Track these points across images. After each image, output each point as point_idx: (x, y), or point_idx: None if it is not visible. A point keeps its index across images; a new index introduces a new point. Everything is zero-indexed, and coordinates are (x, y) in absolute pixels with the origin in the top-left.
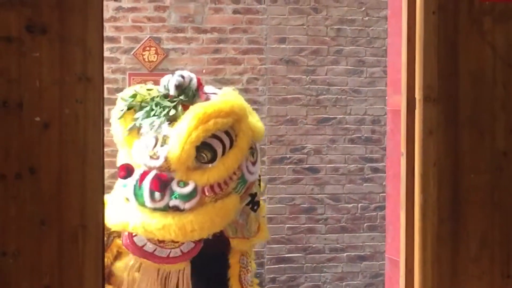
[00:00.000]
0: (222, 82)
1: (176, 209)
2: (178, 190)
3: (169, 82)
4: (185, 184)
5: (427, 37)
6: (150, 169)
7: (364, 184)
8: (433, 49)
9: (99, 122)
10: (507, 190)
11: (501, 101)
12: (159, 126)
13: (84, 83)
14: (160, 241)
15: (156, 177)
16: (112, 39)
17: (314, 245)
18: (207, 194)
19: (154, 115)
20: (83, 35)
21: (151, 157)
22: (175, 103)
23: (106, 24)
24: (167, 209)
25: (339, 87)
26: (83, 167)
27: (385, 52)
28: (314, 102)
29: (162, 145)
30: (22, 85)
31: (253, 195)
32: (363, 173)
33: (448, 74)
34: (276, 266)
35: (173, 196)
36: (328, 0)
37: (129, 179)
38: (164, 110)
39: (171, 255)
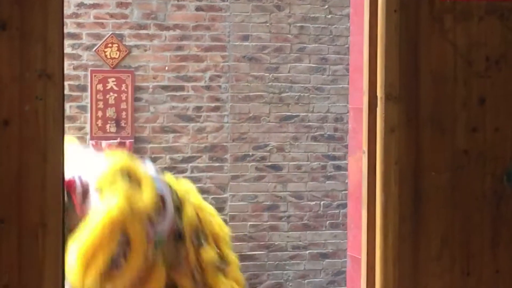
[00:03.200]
0: (184, 79)
1: None
2: None
3: None
4: None
5: (388, 35)
6: None
7: (327, 182)
8: (394, 48)
9: (59, 119)
10: (467, 189)
11: (462, 100)
12: None
13: (44, 80)
14: None
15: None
16: (74, 36)
17: (276, 243)
18: None
19: None
20: (44, 31)
21: None
22: None
23: (67, 21)
24: None
25: (302, 85)
26: (43, 164)
27: (348, 50)
28: (277, 100)
29: None
30: None
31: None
32: (326, 171)
33: (409, 72)
34: (239, 263)
35: None
36: None
37: None
38: None
39: None
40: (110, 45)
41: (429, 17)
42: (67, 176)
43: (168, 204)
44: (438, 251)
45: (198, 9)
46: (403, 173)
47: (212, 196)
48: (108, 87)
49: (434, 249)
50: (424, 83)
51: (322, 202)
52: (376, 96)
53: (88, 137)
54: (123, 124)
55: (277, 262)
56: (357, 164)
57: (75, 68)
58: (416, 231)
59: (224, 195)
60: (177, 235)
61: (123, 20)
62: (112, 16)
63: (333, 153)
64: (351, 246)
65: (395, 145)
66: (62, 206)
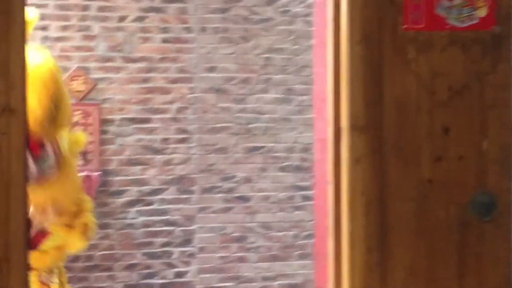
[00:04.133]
0: (151, 111)
1: None
2: None
3: None
4: None
5: (352, 66)
6: None
7: (295, 212)
8: (359, 78)
9: (22, 154)
10: (432, 218)
11: (425, 129)
12: None
13: (7, 115)
14: None
15: None
16: None
17: (245, 274)
18: None
19: None
20: (5, 66)
21: None
22: None
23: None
24: None
25: (269, 116)
26: (6, 200)
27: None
28: (244, 131)
29: None
30: None
31: None
32: (294, 201)
33: (373, 102)
34: None
35: None
36: (257, 29)
37: None
38: None
39: None
40: (76, 78)
41: (392, 47)
42: None
43: None
44: (405, 281)
45: (164, 41)
46: (369, 203)
47: (180, 228)
48: (75, 120)
49: (401, 279)
50: (388, 113)
51: (290, 233)
52: (341, 127)
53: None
54: (90, 157)
55: None
56: (323, 195)
57: None
58: (383, 261)
59: (192, 227)
60: None
61: (89, 53)
62: (77, 48)
63: (300, 183)
64: (318, 278)
65: (361, 175)
66: (25, 241)
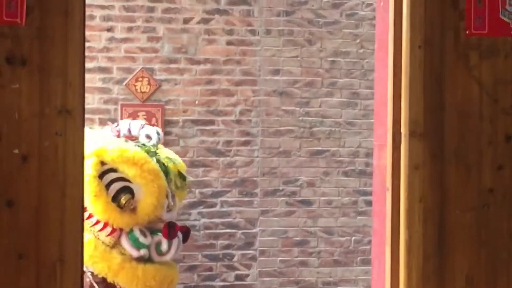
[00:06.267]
0: (215, 113)
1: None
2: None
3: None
4: None
5: (412, 71)
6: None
7: (358, 217)
8: (419, 84)
9: (79, 155)
10: (493, 228)
11: (487, 137)
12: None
13: (64, 116)
14: None
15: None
16: (105, 70)
17: (306, 279)
18: None
19: None
20: (64, 66)
21: (167, 209)
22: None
23: (98, 54)
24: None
25: (333, 119)
26: (62, 200)
27: None
28: (308, 134)
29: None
30: (1, 117)
31: None
32: (357, 206)
33: (434, 108)
34: None
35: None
36: (323, 32)
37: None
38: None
39: None
40: (140, 79)
41: (454, 53)
42: None
43: None
44: None
45: (229, 43)
46: (427, 210)
47: (242, 231)
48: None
49: None
50: (449, 120)
51: (353, 238)
52: (400, 133)
53: None
54: None
55: None
56: (381, 201)
57: (105, 102)
58: (440, 269)
59: (254, 230)
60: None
61: (153, 54)
62: (142, 50)
63: (364, 188)
64: (375, 285)
65: (419, 182)
66: (81, 241)
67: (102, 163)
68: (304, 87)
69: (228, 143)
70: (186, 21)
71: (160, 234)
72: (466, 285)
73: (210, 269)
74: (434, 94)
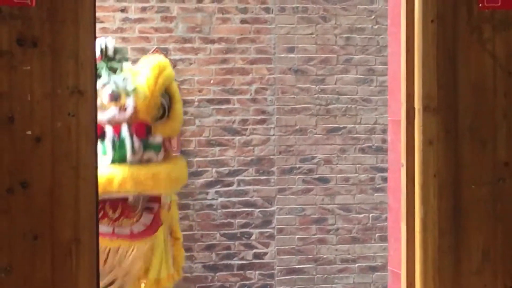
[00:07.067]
0: (230, 92)
1: (149, 161)
2: (151, 140)
3: (107, 45)
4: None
5: (425, 46)
6: (118, 122)
7: (375, 194)
8: (432, 59)
9: (92, 135)
10: (509, 202)
11: (502, 110)
12: (120, 81)
13: (76, 96)
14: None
15: (138, 124)
16: None
17: (325, 256)
18: (167, 148)
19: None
20: (75, 47)
21: (119, 109)
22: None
23: (113, 35)
24: (142, 162)
25: (348, 96)
26: (76, 180)
27: None
28: (324, 112)
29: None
30: (13, 99)
31: None
32: (374, 182)
33: (447, 83)
34: (287, 277)
35: (148, 148)
36: (337, 9)
37: (106, 138)
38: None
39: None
40: None
41: (466, 26)
42: None
43: None
44: (479, 265)
45: (243, 21)
46: (442, 185)
47: (259, 210)
48: None
49: (475, 263)
50: (462, 94)
51: (370, 215)
52: (414, 108)
53: None
54: None
55: (325, 276)
56: (396, 178)
57: None
58: (456, 244)
59: (271, 208)
60: None
61: (168, 34)
62: (156, 30)
63: (381, 165)
64: (391, 261)
65: (433, 157)
66: (95, 221)
67: None
68: (319, 64)
69: (244, 121)
70: (199, 0)
71: None
72: (482, 260)
73: (228, 248)
74: (447, 68)
